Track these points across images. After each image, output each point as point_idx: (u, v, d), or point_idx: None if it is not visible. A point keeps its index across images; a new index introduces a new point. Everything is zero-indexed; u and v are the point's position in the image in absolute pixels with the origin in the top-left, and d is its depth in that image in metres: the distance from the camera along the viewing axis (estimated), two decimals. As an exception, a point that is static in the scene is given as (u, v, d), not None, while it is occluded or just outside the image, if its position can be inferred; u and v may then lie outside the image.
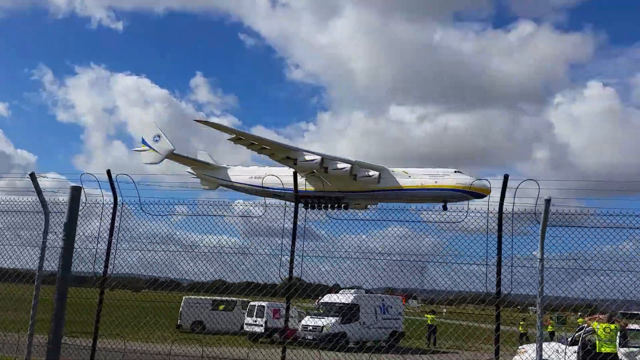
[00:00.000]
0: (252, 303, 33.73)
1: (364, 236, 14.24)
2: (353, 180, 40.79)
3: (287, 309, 13.91)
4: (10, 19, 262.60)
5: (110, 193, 13.89)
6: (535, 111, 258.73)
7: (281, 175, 42.12)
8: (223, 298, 37.06)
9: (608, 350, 15.77)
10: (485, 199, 14.38)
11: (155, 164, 46.14)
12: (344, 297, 31.44)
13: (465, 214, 12.50)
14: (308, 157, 40.40)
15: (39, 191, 11.05)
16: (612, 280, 13.18)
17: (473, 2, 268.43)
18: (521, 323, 36.83)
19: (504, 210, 11.82)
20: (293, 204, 13.64)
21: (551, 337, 34.29)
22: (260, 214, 13.96)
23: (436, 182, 38.03)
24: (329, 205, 42.23)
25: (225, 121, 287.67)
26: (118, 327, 18.53)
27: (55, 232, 11.29)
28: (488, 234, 11.89)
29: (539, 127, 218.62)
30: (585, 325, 17.72)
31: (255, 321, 32.72)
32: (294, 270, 13.21)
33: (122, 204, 14.14)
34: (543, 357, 17.58)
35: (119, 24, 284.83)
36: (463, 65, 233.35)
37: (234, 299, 37.06)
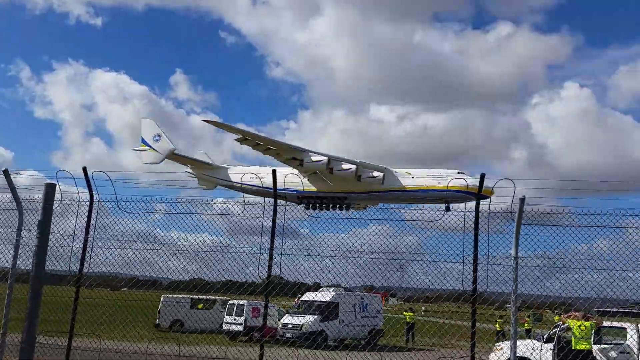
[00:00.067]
0: (231, 302, 33.58)
1: (344, 234, 14.31)
2: (357, 181, 40.78)
3: (266, 307, 13.89)
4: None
5: (87, 190, 13.74)
6: (513, 111, 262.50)
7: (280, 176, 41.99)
8: (202, 297, 36.84)
9: (583, 347, 16.07)
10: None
11: (156, 163, 45.59)
12: (324, 295, 31.52)
13: (443, 213, 12.64)
14: (314, 157, 40.37)
15: (12, 188, 10.86)
16: (587, 278, 13.44)
17: (452, 2, 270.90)
18: (498, 321, 37.36)
19: (480, 209, 11.96)
20: (273, 202, 13.63)
21: (527, 334, 34.86)
22: (240, 212, 13.93)
23: (439, 183, 38.19)
24: (331, 206, 42.15)
25: (205, 118, 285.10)
26: (95, 326, 18.34)
27: (30, 230, 11.12)
28: (465, 232, 12.03)
29: (516, 127, 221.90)
30: (561, 322, 18.04)
31: (235, 320, 32.59)
32: (273, 269, 13.21)
33: (99, 201, 13.96)
34: (519, 355, 17.92)
35: (98, 20, 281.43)
36: (442, 66, 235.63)
37: (213, 297, 36.87)
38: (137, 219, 14.90)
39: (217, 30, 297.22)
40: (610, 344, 17.45)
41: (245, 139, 41.07)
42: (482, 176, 13.00)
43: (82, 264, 13.91)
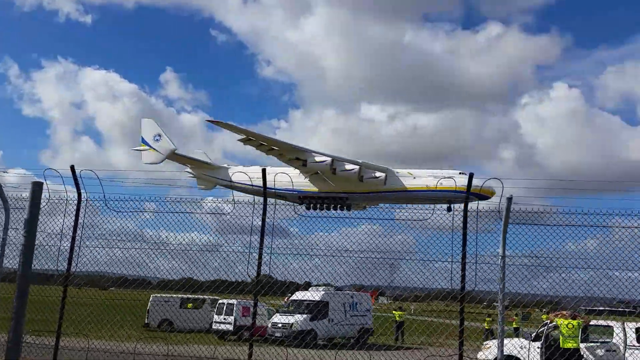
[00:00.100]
0: (221, 301, 33.50)
1: (335, 234, 14.34)
2: (359, 182, 40.72)
3: (255, 305, 13.88)
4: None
5: (75, 189, 13.64)
6: (502, 111, 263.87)
7: (283, 176, 41.81)
8: (191, 296, 36.71)
9: (571, 345, 16.21)
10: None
11: (156, 163, 45.27)
12: (313, 295, 31.53)
13: (431, 212, 12.70)
14: (318, 158, 40.28)
15: (-1, 186, 10.76)
16: (575, 277, 13.57)
17: (443, 2, 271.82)
18: (486, 319, 37.60)
19: (469, 208, 12.04)
20: (264, 201, 13.62)
21: (516, 333, 35.10)
22: (230, 211, 13.91)
23: (441, 183, 38.21)
24: (332, 206, 42.04)
25: (196, 117, 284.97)
26: (83, 325, 18.17)
27: (17, 229, 11.03)
28: (454, 231, 12.10)
29: (506, 127, 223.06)
30: (548, 321, 18.18)
31: (224, 319, 32.51)
32: (263, 268, 13.20)
33: (87, 200, 13.88)
34: (508, 353, 18.04)
35: (87, 18, 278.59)
36: (433, 65, 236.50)
37: (203, 296, 36.76)
38: (126, 218, 14.85)
39: (207, 28, 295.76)
40: (597, 342, 17.62)
41: (249, 139, 40.89)
42: (471, 176, 13.10)
43: (69, 263, 13.82)
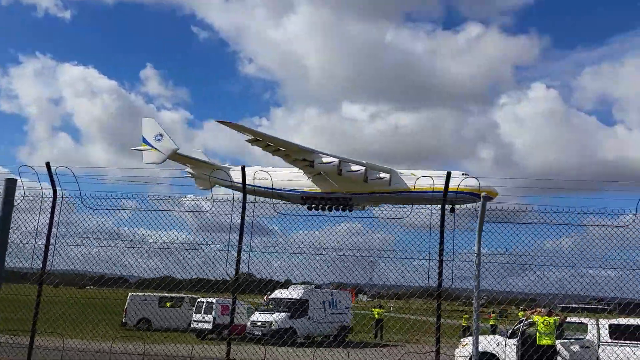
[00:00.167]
0: (200, 299, 33.33)
1: (316, 232, 14.36)
2: (363, 183, 40.61)
3: (233, 304, 13.84)
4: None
5: (51, 186, 13.44)
6: (482, 111, 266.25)
7: (284, 177, 41.54)
8: (170, 295, 36.45)
9: (547, 342, 16.48)
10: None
11: (158, 163, 44.69)
12: (293, 293, 31.53)
13: (410, 210, 12.80)
14: (325, 159, 40.15)
15: (-29, 183, 10.54)
16: (551, 275, 13.79)
17: (423, 3, 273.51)
18: (464, 316, 38.04)
19: (446, 206, 12.17)
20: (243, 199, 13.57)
21: (493, 330, 35.56)
22: (208, 208, 13.84)
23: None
24: (334, 207, 41.85)
25: (176, 114, 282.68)
26: (59, 324, 17.91)
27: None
28: (431, 229, 12.22)
29: (485, 127, 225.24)
30: (524, 318, 18.45)
31: (204, 318, 32.35)
32: (243, 266, 13.17)
33: (62, 197, 13.69)
34: (485, 350, 18.27)
35: (66, 13, 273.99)
36: (414, 65, 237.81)
37: (182, 295, 36.52)
38: (104, 216, 14.69)
39: (189, 25, 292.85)
40: (572, 339, 17.92)
41: (257, 139, 40.59)
42: (448, 174, 13.25)
43: (44, 261, 13.62)
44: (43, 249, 13.66)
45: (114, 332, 24.87)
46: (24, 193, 13.57)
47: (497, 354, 18.17)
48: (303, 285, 32.30)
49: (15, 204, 10.05)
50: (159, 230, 14.67)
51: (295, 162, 41.41)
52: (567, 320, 18.13)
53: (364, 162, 41.06)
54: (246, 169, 52.22)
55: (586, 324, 18.10)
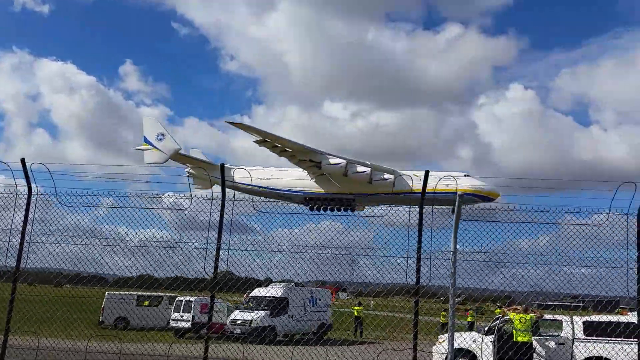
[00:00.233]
0: (179, 298, 33.07)
1: (297, 230, 14.37)
2: (368, 183, 40.45)
3: (212, 302, 13.78)
4: None
5: (26, 183, 13.23)
6: (461, 111, 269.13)
7: (286, 177, 41.04)
8: (148, 293, 36.12)
9: (523, 339, 16.73)
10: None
11: (160, 163, 44.05)
12: (273, 291, 31.50)
13: (389, 208, 12.88)
14: (332, 160, 39.89)
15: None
16: (528, 272, 14.01)
17: (404, 3, 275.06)
18: (442, 313, 38.40)
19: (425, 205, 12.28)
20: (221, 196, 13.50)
21: (470, 327, 35.96)
22: (187, 206, 13.75)
23: (447, 185, 38.28)
24: (337, 208, 41.64)
25: (156, 111, 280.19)
26: (35, 323, 17.66)
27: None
28: (410, 227, 12.32)
29: (464, 126, 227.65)
30: (501, 315, 18.71)
31: (182, 316, 32.12)
32: (224, 264, 13.12)
33: (37, 194, 13.48)
34: (462, 347, 18.47)
35: (44, 7, 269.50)
36: (394, 65, 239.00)
37: (160, 294, 36.21)
38: (82, 213, 14.50)
39: (169, 21, 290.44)
40: (547, 335, 18.22)
41: (265, 140, 40.22)
42: (426, 173, 13.38)
43: (19, 259, 13.40)
44: (17, 247, 13.44)
45: (90, 331, 24.56)
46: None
47: (473, 351, 18.41)
48: (283, 284, 32.28)
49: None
50: (137, 228, 14.54)
51: (300, 163, 41.21)
52: (544, 318, 18.43)
53: (369, 163, 41.09)
54: (247, 169, 51.68)
55: (561, 321, 18.41)
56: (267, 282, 31.85)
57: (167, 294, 35.94)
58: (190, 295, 32.32)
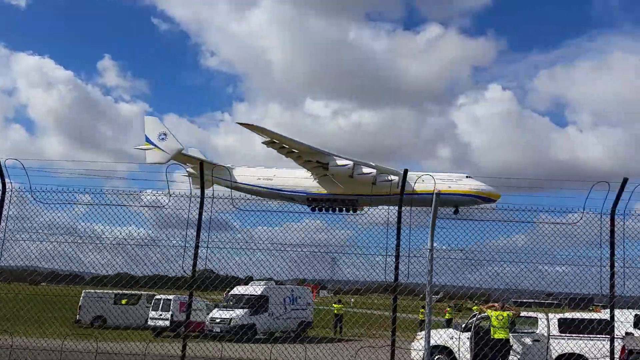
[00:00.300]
0: (157, 296, 32.80)
1: (277, 228, 14.36)
2: (372, 184, 40.24)
3: (190, 300, 13.70)
4: None
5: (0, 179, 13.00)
6: (440, 111, 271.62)
7: (288, 177, 40.87)
8: (126, 292, 35.76)
9: (501, 336, 16.98)
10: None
11: (162, 163, 43.37)
12: (253, 289, 31.44)
13: (368, 207, 12.97)
14: (340, 162, 39.66)
15: None
16: (505, 270, 14.21)
17: (384, 2, 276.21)
18: (421, 310, 38.73)
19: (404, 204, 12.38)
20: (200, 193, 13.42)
21: (448, 324, 36.34)
22: (165, 203, 13.65)
23: (449, 187, 38.32)
24: (341, 209, 41.45)
25: (135, 107, 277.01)
26: (9, 322, 17.37)
27: None
28: (389, 226, 12.41)
29: (443, 126, 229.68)
30: (478, 312, 18.96)
31: (160, 315, 31.87)
32: (203, 262, 13.07)
33: (12, 190, 13.25)
34: (440, 344, 18.68)
35: (21, 0, 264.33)
36: (375, 64, 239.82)
37: (138, 292, 35.87)
38: (59, 211, 14.30)
39: (149, 16, 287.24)
40: (522, 332, 18.51)
41: (273, 141, 39.85)
42: (405, 172, 13.49)
43: (-8, 257, 13.17)
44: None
45: (66, 330, 24.23)
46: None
47: (450, 347, 18.63)
48: (264, 282, 32.24)
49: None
50: (115, 225, 14.39)
51: (306, 164, 41.05)
52: (521, 315, 18.72)
53: (373, 164, 41.09)
54: (249, 169, 51.28)
55: (536, 318, 18.72)
56: (247, 280, 31.80)
57: (145, 292, 35.63)
58: (169, 293, 32.08)
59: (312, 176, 41.17)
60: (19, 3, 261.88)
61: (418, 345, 18.63)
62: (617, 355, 15.85)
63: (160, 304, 32.14)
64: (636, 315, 20.29)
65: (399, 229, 12.30)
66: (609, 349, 14.03)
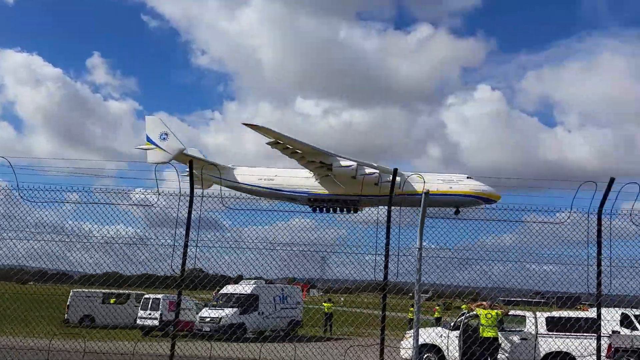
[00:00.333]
0: (146, 296, 32.66)
1: (268, 227, 14.35)
2: (374, 185, 40.33)
3: (179, 299, 13.67)
4: None
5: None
6: (430, 110, 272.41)
7: (290, 177, 40.92)
8: (115, 291, 35.60)
9: (489, 334, 17.11)
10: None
11: (164, 163, 43.04)
12: (243, 288, 31.41)
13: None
14: (344, 162, 39.67)
15: None
16: (494, 269, 14.32)
17: (375, 2, 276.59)
18: (410, 309, 38.93)
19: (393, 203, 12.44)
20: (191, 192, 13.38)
21: (437, 322, 36.55)
22: (154, 202, 13.60)
23: (451, 187, 38.47)
24: (340, 209, 41.43)
25: (124, 105, 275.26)
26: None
27: None
28: (378, 225, 12.47)
29: (433, 126, 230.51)
30: (467, 311, 19.07)
31: (150, 314, 31.74)
32: (192, 261, 13.03)
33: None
34: (429, 342, 18.78)
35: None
36: (366, 63, 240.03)
37: (127, 291, 35.71)
38: (47, 209, 14.19)
39: (139, 13, 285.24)
40: (510, 330, 18.66)
41: (277, 142, 39.76)
42: (395, 171, 13.54)
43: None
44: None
45: (54, 329, 24.09)
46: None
47: (439, 346, 18.74)
48: (254, 281, 32.21)
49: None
50: (103, 224, 14.32)
51: (309, 164, 41.07)
52: (510, 313, 18.87)
53: (375, 164, 41.19)
54: (251, 169, 51.16)
55: (524, 317, 18.88)
56: (237, 279, 31.76)
57: (134, 292, 35.48)
58: (159, 293, 31.96)
59: (313, 176, 41.26)
60: (7, 0, 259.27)
61: (407, 344, 18.71)
62: (603, 354, 16.04)
63: (149, 303, 32.01)
64: (622, 313, 20.51)
65: (388, 227, 12.36)
66: (595, 347, 14.18)
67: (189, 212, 13.02)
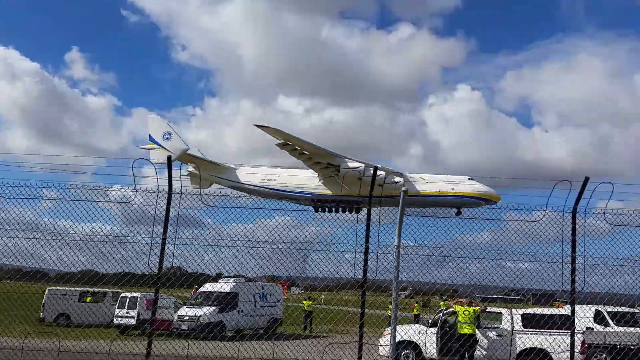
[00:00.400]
0: (123, 294, 32.25)
1: (249, 225, 14.30)
2: (378, 186, 40.15)
3: (156, 297, 13.55)
4: None
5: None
6: (411, 109, 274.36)
7: (293, 178, 40.73)
8: (91, 289, 35.11)
9: (467, 331, 17.31)
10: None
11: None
12: (223, 286, 31.22)
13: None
14: (351, 164, 39.52)
15: None
16: (471, 267, 14.49)
17: (358, 1, 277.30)
18: (389, 307, 39.17)
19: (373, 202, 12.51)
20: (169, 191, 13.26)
21: (416, 319, 36.86)
22: (132, 199, 13.45)
23: (453, 188, 38.63)
24: (343, 209, 41.23)
25: (103, 100, 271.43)
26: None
27: None
28: (358, 223, 12.53)
29: (414, 125, 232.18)
30: (445, 308, 19.25)
31: (127, 313, 31.36)
32: (173, 260, 12.94)
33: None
34: (407, 339, 18.93)
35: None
36: (348, 62, 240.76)
37: (104, 289, 35.26)
38: (23, 206, 13.95)
39: (118, 7, 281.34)
40: (487, 327, 18.90)
41: (286, 143, 39.41)
42: (375, 169, 13.61)
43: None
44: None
45: (29, 328, 23.67)
46: None
47: (417, 343, 18.91)
48: (234, 279, 32.03)
49: None
50: (81, 221, 14.11)
51: (314, 165, 40.95)
52: (488, 310, 19.11)
53: (380, 166, 41.18)
54: (253, 169, 50.85)
55: (500, 313, 19.14)
56: (216, 277, 31.54)
57: (111, 290, 35.04)
58: (137, 291, 31.60)
59: (317, 177, 41.28)
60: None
61: (386, 341, 18.83)
62: (577, 350, 16.35)
63: (127, 302, 31.62)
64: (596, 310, 20.93)
65: (368, 225, 12.44)
66: (569, 344, 14.45)
67: (167, 209, 12.91)
